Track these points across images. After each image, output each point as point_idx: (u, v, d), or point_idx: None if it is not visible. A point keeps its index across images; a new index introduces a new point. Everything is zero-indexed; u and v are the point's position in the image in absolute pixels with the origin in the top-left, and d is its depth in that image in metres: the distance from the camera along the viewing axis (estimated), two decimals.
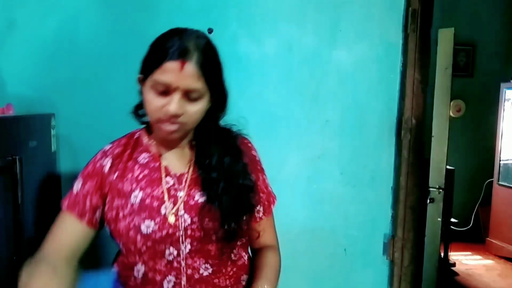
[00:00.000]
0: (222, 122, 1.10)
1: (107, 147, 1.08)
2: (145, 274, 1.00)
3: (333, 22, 1.79)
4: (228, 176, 1.03)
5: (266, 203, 1.13)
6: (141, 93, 1.02)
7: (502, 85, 4.16)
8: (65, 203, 1.03)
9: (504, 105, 4.16)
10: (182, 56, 0.92)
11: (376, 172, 1.88)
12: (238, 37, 1.72)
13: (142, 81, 1.00)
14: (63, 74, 1.61)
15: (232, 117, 1.11)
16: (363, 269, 1.91)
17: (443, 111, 2.45)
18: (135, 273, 1.02)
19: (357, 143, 1.86)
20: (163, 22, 1.64)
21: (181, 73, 0.92)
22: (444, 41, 2.42)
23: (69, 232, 1.01)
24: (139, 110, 1.07)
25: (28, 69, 1.59)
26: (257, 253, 1.14)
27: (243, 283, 1.10)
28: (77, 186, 1.03)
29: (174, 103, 0.93)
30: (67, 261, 0.98)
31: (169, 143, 1.05)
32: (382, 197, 1.90)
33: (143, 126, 1.11)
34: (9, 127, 1.24)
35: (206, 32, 1.13)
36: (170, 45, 0.93)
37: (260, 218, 1.12)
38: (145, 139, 1.08)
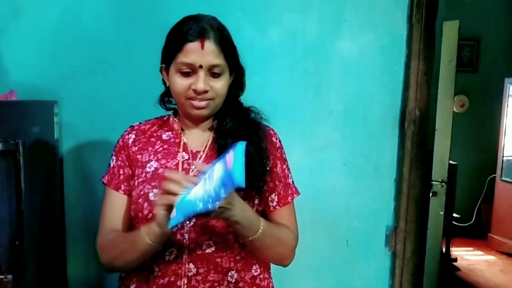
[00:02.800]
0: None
1: (136, 123, 1.17)
2: None
3: (337, 12, 1.78)
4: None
5: (282, 193, 1.14)
6: (164, 82, 1.12)
7: (506, 80, 4.15)
8: (105, 179, 1.13)
9: (508, 101, 4.15)
10: (201, 36, 1.00)
11: (379, 163, 1.88)
12: (242, 26, 1.71)
13: (165, 70, 1.09)
14: (66, 62, 1.60)
15: None
16: (365, 260, 1.91)
17: (447, 104, 2.45)
18: None
19: (361, 134, 1.85)
20: (167, 10, 1.64)
21: (202, 52, 1.00)
22: (449, 33, 2.42)
23: (116, 205, 1.10)
24: (164, 98, 1.16)
25: (31, 57, 1.58)
26: None
27: (255, 273, 1.09)
28: (112, 162, 1.13)
29: (200, 80, 1.01)
30: (128, 227, 1.10)
31: (193, 122, 1.11)
32: (384, 188, 1.90)
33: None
34: (12, 111, 1.24)
35: None
36: (188, 28, 1.02)
37: (274, 208, 1.13)
38: (171, 120, 1.15)
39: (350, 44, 1.80)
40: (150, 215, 1.01)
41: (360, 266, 1.91)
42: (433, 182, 2.41)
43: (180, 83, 1.02)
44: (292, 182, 1.19)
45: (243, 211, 0.95)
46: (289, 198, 1.15)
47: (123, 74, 1.64)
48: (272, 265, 1.18)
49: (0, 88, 1.45)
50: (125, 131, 1.15)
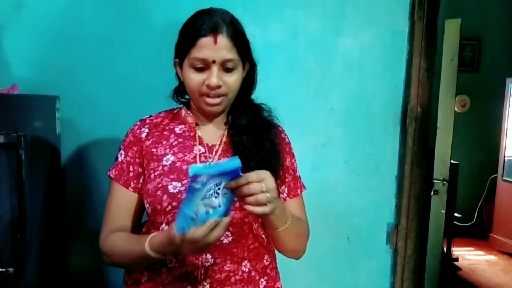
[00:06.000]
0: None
1: (146, 117, 1.15)
2: None
3: (339, 9, 1.78)
4: (257, 138, 1.08)
5: (291, 185, 1.16)
6: (178, 76, 1.12)
7: (508, 80, 4.14)
8: (111, 172, 1.11)
9: (509, 101, 4.14)
10: (214, 31, 1.00)
11: (380, 160, 1.87)
12: (244, 22, 1.67)
13: (179, 64, 1.09)
14: (68, 57, 1.61)
15: None
16: (366, 258, 1.91)
17: (449, 103, 2.45)
18: None
19: (362, 131, 1.85)
20: (169, 5, 1.64)
21: (215, 47, 1.00)
22: (451, 31, 2.42)
23: (123, 202, 1.10)
24: (178, 92, 1.16)
25: (33, 51, 1.59)
26: None
27: (266, 263, 1.10)
28: (120, 156, 1.11)
29: (214, 75, 1.01)
30: (134, 224, 1.11)
31: (206, 117, 1.12)
32: (386, 185, 1.89)
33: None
34: (15, 104, 1.24)
35: None
36: (200, 23, 1.02)
37: (284, 199, 1.14)
38: (183, 113, 1.14)
39: (352, 41, 1.80)
40: (170, 207, 1.02)
41: (361, 264, 1.90)
42: (435, 181, 2.41)
43: (193, 78, 1.03)
44: (299, 176, 1.21)
45: (278, 202, 0.97)
46: (299, 191, 1.18)
47: (124, 70, 1.64)
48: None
49: (3, 83, 1.46)
50: (134, 125, 1.13)
